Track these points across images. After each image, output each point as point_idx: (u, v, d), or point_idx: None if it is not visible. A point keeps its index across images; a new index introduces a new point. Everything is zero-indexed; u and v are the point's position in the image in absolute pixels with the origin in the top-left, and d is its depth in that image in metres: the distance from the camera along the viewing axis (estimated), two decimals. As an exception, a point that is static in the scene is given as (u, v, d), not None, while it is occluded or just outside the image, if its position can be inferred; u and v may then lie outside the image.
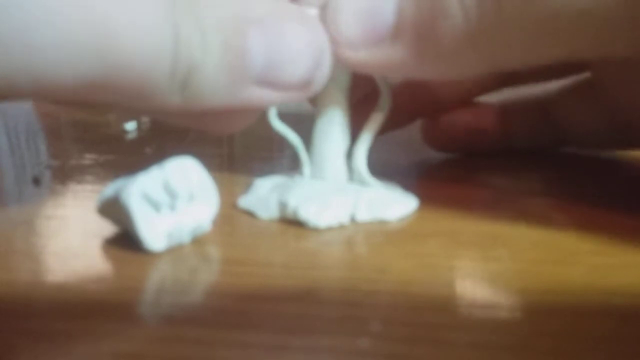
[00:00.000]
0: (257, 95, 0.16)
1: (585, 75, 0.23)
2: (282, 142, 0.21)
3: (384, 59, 0.17)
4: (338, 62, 0.17)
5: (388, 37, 0.16)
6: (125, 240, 0.16)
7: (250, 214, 0.18)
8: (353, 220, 0.18)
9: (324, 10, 0.17)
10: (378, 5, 0.16)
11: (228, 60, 0.15)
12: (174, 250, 0.16)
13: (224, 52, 0.15)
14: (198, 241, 0.17)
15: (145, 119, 0.30)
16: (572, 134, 0.24)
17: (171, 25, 0.14)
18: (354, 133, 0.20)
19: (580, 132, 0.24)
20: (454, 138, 0.25)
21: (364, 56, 0.17)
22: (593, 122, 0.23)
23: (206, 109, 0.16)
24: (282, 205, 0.18)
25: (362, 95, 0.21)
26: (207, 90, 0.15)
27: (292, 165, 0.21)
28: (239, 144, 0.28)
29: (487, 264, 0.15)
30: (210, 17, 0.15)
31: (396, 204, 0.18)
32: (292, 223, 0.18)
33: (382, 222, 0.18)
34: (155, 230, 0.16)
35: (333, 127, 0.19)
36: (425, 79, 0.23)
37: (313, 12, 0.17)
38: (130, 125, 0.29)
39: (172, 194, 0.16)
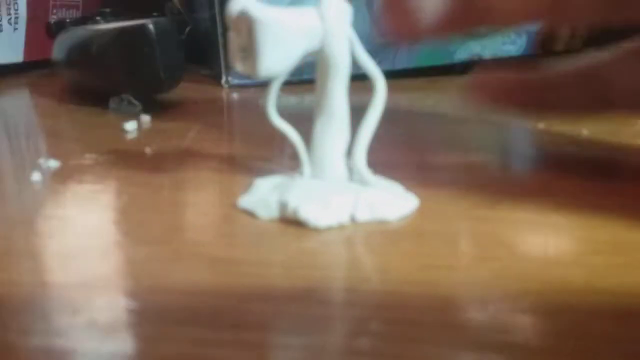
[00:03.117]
0: None
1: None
2: (282, 142, 0.21)
3: None
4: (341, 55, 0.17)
5: None
6: (125, 240, 0.16)
7: (250, 214, 0.18)
8: (353, 220, 0.18)
9: None
10: None
11: None
12: (174, 251, 0.16)
13: None
14: (198, 241, 0.17)
15: (145, 119, 0.30)
16: (628, 98, 0.22)
17: None
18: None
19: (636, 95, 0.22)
20: (495, 94, 0.23)
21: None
22: None
23: None
24: (282, 205, 0.18)
25: None
26: None
27: (292, 165, 0.21)
28: (239, 144, 0.28)
29: (487, 264, 0.15)
30: None
31: (396, 204, 0.18)
32: (292, 223, 0.18)
33: (382, 222, 0.18)
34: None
35: (333, 126, 0.19)
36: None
37: None
38: (130, 125, 0.29)
39: None
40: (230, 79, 0.38)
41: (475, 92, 0.24)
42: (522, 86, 0.24)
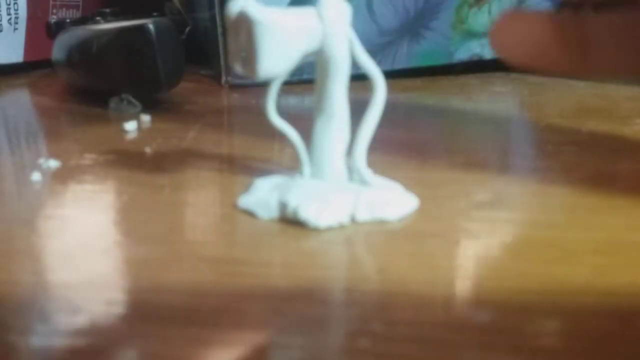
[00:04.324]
0: None
1: None
2: (282, 142, 0.21)
3: None
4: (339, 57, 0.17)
5: None
6: (125, 240, 0.16)
7: (250, 214, 0.18)
8: (353, 220, 0.18)
9: None
10: None
11: None
12: (174, 251, 0.16)
13: None
14: (198, 241, 0.17)
15: (145, 119, 0.30)
16: None
17: None
18: None
19: None
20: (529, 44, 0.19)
21: None
22: None
23: None
24: (282, 205, 0.18)
25: None
26: None
27: (292, 165, 0.21)
28: (239, 144, 0.28)
29: (487, 264, 0.15)
30: None
31: (396, 204, 0.18)
32: (292, 223, 0.18)
33: (382, 222, 0.18)
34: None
35: (333, 126, 0.19)
36: None
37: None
38: (130, 125, 0.29)
39: None
40: (230, 79, 0.38)
41: (502, 35, 0.20)
42: (561, 27, 0.19)
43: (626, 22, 0.19)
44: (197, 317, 0.13)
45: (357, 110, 0.19)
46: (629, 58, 0.20)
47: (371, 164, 0.19)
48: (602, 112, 0.31)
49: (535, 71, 0.20)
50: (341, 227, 0.17)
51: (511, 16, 0.20)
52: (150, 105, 0.32)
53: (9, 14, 0.43)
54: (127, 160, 0.24)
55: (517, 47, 0.20)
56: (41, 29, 0.45)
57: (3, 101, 0.39)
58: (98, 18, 0.41)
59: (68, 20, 0.46)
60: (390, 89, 0.19)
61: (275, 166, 0.23)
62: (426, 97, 0.36)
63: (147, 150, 0.25)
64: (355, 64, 0.19)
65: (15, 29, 0.44)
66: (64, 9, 0.49)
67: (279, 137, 0.20)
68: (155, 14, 0.43)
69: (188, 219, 0.19)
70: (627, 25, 0.19)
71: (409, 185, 0.20)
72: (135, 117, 0.30)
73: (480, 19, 0.38)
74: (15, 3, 0.43)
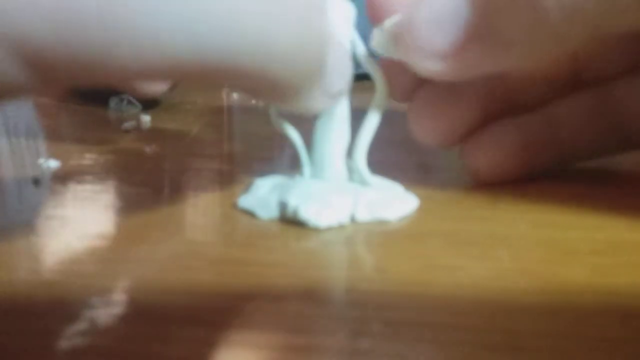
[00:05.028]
0: None
1: None
2: (282, 142, 0.21)
3: (471, 62, 0.16)
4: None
5: (472, 38, 0.16)
6: (124, 240, 0.16)
7: (250, 214, 0.18)
8: (353, 220, 0.18)
9: (399, 24, 0.17)
10: (455, 8, 0.16)
11: None
12: (174, 251, 0.16)
13: None
14: (198, 241, 0.17)
15: (145, 119, 0.30)
16: None
17: None
18: None
19: None
20: (503, 160, 0.21)
21: (452, 64, 0.16)
22: None
23: None
24: (282, 205, 0.18)
25: None
26: None
27: (292, 165, 0.21)
28: (239, 144, 0.28)
29: (487, 264, 0.15)
30: None
31: (396, 204, 0.18)
32: (292, 223, 0.18)
33: (382, 222, 0.18)
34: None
35: (333, 127, 0.19)
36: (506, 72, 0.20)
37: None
38: (130, 125, 0.29)
39: None
40: (230, 79, 0.38)
41: (472, 164, 0.21)
42: (524, 145, 0.21)
43: (594, 104, 0.21)
44: (197, 317, 0.13)
45: (358, 110, 0.19)
46: (603, 137, 0.21)
47: (371, 164, 0.19)
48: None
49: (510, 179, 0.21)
50: (341, 227, 0.17)
51: (482, 131, 0.21)
52: (150, 105, 0.32)
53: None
54: (127, 160, 0.24)
55: (492, 160, 0.21)
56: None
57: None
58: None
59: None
60: (391, 89, 0.19)
61: (275, 166, 0.23)
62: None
63: (147, 150, 0.25)
64: (356, 64, 0.19)
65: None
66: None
67: (279, 137, 0.20)
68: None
69: (188, 219, 0.19)
70: (595, 108, 0.21)
71: (409, 185, 0.20)
72: (135, 117, 0.30)
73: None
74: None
